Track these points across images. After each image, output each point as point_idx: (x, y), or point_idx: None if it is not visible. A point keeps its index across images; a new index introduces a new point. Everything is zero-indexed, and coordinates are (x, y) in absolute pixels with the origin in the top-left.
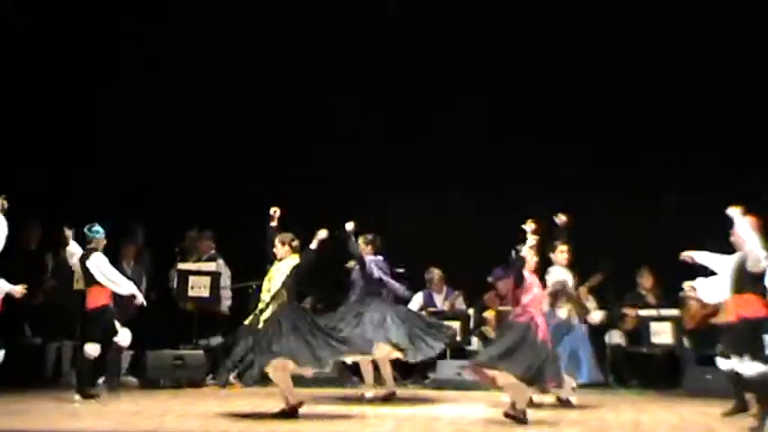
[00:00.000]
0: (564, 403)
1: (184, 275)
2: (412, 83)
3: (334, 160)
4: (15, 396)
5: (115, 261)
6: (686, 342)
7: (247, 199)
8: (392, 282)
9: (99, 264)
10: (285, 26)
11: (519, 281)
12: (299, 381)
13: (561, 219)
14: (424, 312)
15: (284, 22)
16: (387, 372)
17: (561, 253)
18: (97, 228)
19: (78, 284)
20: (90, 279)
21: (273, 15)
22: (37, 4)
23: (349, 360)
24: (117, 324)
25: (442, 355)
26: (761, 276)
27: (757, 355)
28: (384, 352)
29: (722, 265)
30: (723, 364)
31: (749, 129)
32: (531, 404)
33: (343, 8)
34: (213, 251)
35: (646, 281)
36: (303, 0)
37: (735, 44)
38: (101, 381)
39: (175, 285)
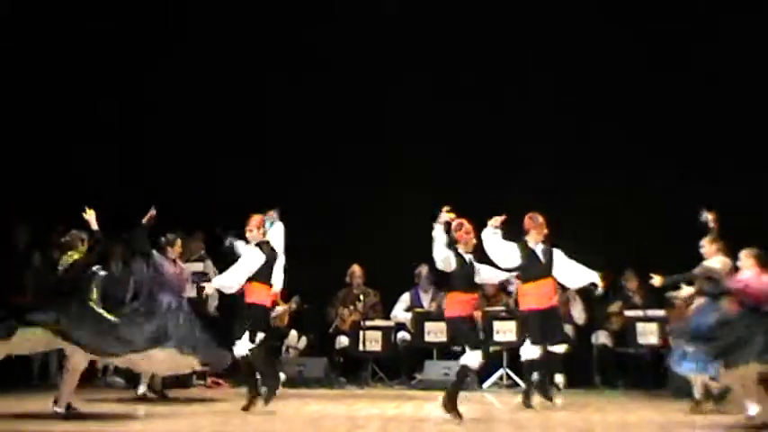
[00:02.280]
0: None
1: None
2: (406, 82)
3: (325, 159)
4: (1, 399)
5: (103, 261)
6: (672, 342)
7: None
8: None
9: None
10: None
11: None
12: (287, 381)
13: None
14: (409, 314)
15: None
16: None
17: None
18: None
19: None
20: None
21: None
22: None
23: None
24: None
25: (429, 356)
26: (459, 275)
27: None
28: None
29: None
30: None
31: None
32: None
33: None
34: (203, 252)
35: (631, 283)
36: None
37: None
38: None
39: None
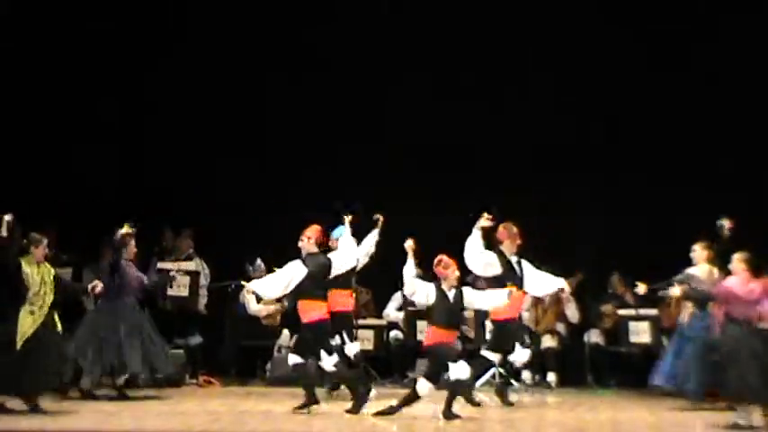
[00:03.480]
0: None
1: (164, 274)
2: (406, 82)
3: (325, 159)
4: None
5: (95, 261)
6: (664, 341)
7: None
8: None
9: None
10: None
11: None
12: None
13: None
14: (401, 313)
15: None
16: None
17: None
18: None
19: None
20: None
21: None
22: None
23: None
24: None
25: (421, 354)
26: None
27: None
28: None
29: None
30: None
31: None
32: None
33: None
34: (192, 250)
35: (619, 289)
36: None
37: None
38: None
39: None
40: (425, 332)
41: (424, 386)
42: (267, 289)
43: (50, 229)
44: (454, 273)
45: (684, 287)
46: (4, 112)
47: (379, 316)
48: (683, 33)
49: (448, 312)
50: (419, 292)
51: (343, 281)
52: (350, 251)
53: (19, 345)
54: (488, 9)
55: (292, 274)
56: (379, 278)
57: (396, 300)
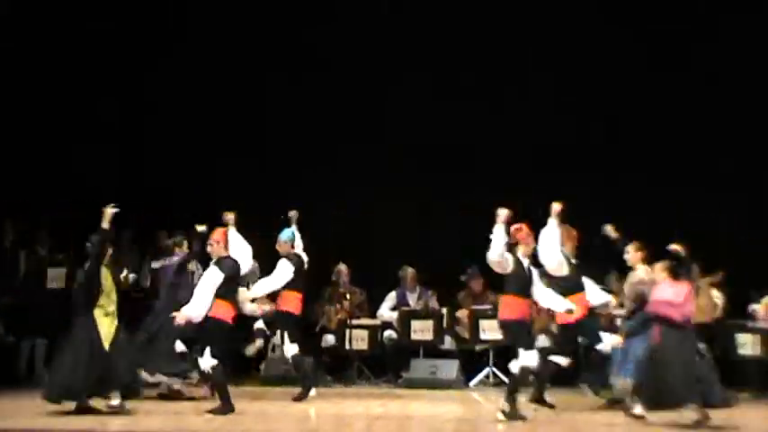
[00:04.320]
0: None
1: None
2: (406, 82)
3: (325, 159)
4: None
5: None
6: None
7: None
8: None
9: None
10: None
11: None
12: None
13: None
14: (395, 313)
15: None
16: None
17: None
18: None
19: (51, 284)
20: None
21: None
22: None
23: None
24: None
25: (415, 354)
26: (515, 278)
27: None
28: None
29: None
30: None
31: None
32: None
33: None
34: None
35: (615, 287)
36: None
37: None
38: None
39: (148, 285)
40: (500, 304)
41: (530, 358)
42: (199, 309)
43: (43, 227)
44: (532, 242)
45: (627, 329)
46: (4, 112)
47: (374, 316)
48: (683, 33)
49: (524, 281)
50: (507, 261)
51: (295, 282)
52: (244, 252)
53: (107, 346)
54: (488, 9)
55: (213, 281)
56: (373, 278)
57: (390, 300)
